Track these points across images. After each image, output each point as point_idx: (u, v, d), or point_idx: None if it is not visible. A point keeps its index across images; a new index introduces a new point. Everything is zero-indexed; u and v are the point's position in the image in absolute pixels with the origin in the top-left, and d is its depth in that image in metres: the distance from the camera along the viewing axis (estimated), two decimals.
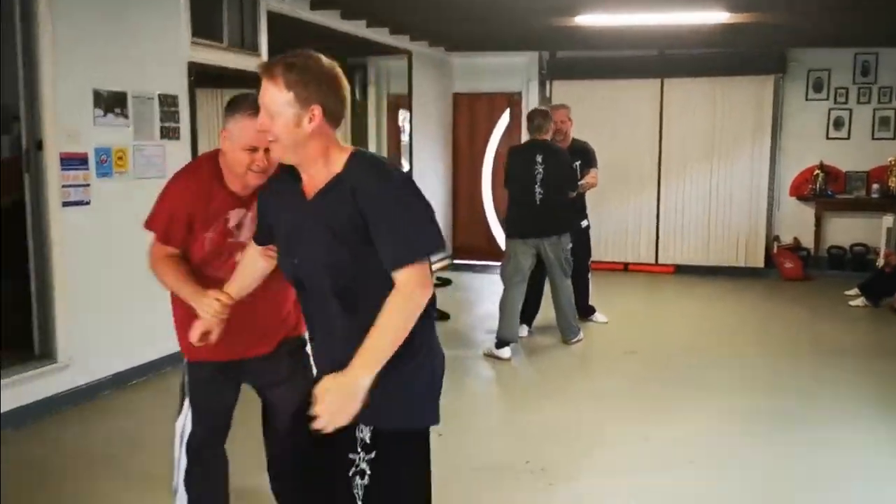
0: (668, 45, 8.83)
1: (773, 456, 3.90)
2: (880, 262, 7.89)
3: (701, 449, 3.99)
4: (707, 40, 8.22)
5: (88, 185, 4.53)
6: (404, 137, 9.60)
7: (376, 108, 9.87)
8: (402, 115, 9.77)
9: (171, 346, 2.89)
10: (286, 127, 1.90)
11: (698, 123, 9.13)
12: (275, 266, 2.24)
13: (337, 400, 1.86)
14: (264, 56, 6.02)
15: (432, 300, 2.00)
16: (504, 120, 9.92)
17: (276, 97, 1.90)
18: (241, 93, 2.44)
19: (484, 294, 8.52)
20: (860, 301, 7.43)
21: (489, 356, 5.62)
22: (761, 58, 8.78)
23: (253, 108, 2.15)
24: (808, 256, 8.93)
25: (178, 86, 5.21)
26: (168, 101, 5.11)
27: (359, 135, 9.50)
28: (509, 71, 9.69)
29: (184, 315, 2.49)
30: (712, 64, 8.91)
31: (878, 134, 8.82)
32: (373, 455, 1.96)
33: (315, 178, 1.97)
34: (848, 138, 8.88)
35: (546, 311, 6.23)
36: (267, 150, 2.27)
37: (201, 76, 5.43)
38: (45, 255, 4.33)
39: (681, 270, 9.21)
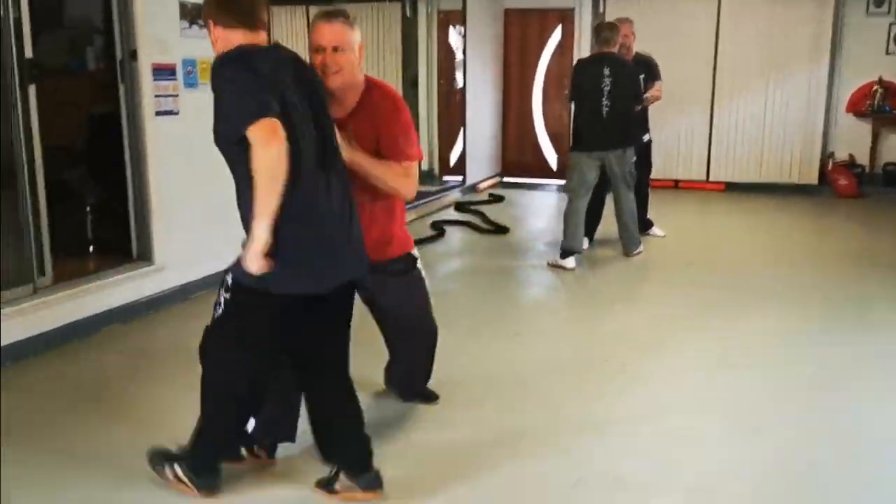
0: None
1: (833, 356, 4.05)
2: None
3: (764, 348, 4.17)
4: None
5: (177, 95, 4.69)
6: (458, 54, 9.58)
7: (427, 25, 9.82)
8: (452, 32, 9.74)
9: None
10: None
11: (754, 40, 9.00)
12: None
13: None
14: None
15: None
16: (556, 36, 9.85)
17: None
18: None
19: (536, 210, 8.67)
20: None
21: (554, 266, 5.78)
22: None
23: (326, 16, 2.71)
24: (863, 173, 8.90)
25: None
26: None
27: (409, 51, 9.50)
28: None
29: None
30: None
31: None
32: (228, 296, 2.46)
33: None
34: None
35: (604, 225, 6.36)
36: (335, 50, 2.68)
37: None
38: (141, 163, 4.53)
39: (732, 188, 9.24)
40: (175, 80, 4.67)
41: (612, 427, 3.24)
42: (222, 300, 2.48)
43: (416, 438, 3.11)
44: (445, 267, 6.04)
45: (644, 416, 3.34)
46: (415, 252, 3.14)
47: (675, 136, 9.32)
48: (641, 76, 6.04)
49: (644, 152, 6.42)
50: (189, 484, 2.58)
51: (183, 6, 4.69)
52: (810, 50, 8.88)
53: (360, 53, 2.76)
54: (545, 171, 9.99)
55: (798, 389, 3.66)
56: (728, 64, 9.12)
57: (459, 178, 9.23)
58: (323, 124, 2.42)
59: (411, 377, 3.38)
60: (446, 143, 9.64)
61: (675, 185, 9.39)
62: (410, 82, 9.49)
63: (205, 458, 2.61)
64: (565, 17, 9.71)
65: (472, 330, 4.37)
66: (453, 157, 9.62)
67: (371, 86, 2.85)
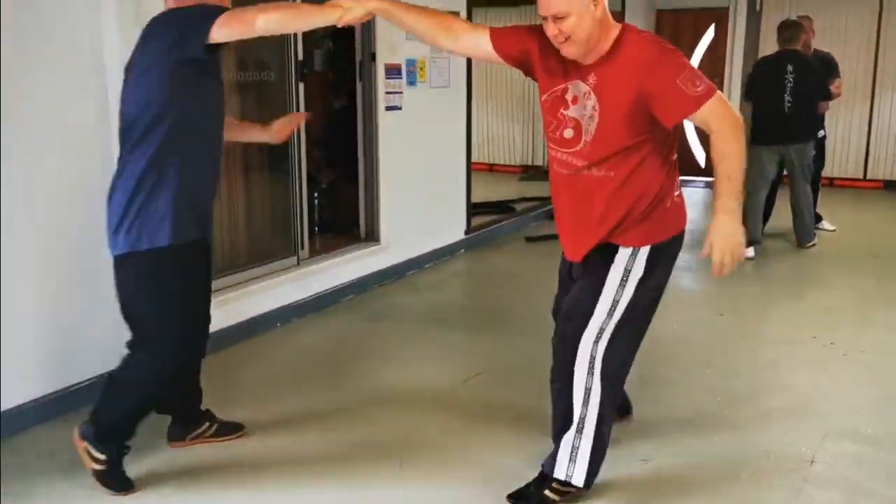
0: None
1: None
2: None
3: None
4: None
5: (401, 92, 5.21)
6: None
7: None
8: None
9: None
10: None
11: None
12: None
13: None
14: None
15: None
16: (708, 36, 10.01)
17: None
18: None
19: (689, 205, 8.83)
20: None
21: None
22: None
23: None
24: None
25: (459, 3, 5.78)
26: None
27: None
28: None
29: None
30: None
31: None
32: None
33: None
34: None
35: (773, 218, 6.54)
36: (556, 19, 2.27)
37: None
38: (373, 153, 5.07)
39: (890, 186, 9.18)
40: (400, 78, 5.20)
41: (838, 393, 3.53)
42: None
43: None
44: None
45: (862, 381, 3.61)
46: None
47: (830, 133, 9.31)
48: (824, 71, 6.22)
49: (819, 147, 6.58)
50: None
51: None
52: None
53: (601, 4, 2.29)
54: (694, 169, 10.14)
55: None
56: (890, 59, 9.09)
57: None
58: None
59: None
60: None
61: (830, 182, 9.38)
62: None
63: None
64: (719, 17, 9.86)
65: (679, 310, 4.70)
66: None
67: (624, 35, 2.34)
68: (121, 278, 2.54)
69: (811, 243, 6.30)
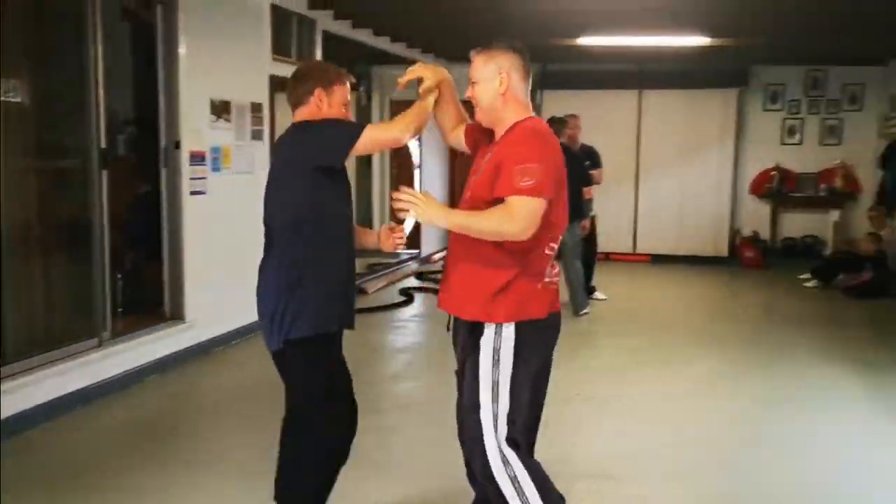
0: (646, 61, 10.05)
1: (749, 384, 5.11)
2: (828, 250, 9.29)
3: (697, 383, 5.18)
4: (680, 57, 9.44)
5: (206, 178, 5.48)
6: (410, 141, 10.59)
7: (379, 114, 10.83)
8: None
9: None
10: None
11: (671, 130, 10.40)
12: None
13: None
14: None
15: None
16: None
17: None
18: None
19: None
20: (813, 283, 8.74)
21: None
22: (726, 73, 10.08)
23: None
24: (766, 247, 10.26)
25: (263, 95, 6.18)
26: (256, 108, 6.07)
27: None
28: None
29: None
30: (684, 78, 10.17)
31: (826, 140, 10.22)
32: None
33: None
34: (800, 144, 10.25)
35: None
36: (472, 84, 2.66)
37: (276, 85, 6.40)
38: (177, 235, 5.27)
39: (656, 259, 10.45)
40: (205, 165, 5.47)
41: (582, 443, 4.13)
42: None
43: None
44: (422, 326, 6.91)
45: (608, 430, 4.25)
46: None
47: (604, 213, 10.48)
48: (587, 163, 7.16)
49: (591, 227, 7.49)
50: None
51: (213, 102, 5.53)
52: (718, 138, 10.30)
53: (505, 81, 2.55)
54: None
55: (730, 410, 4.64)
56: (650, 150, 10.48)
57: (412, 252, 10.13)
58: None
59: None
60: (397, 219, 10.55)
61: (607, 256, 10.51)
62: (364, 164, 10.45)
63: None
64: None
65: None
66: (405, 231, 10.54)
67: (519, 123, 2.58)
68: (286, 365, 2.77)
69: (584, 312, 7.12)
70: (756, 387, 5.14)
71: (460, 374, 2.74)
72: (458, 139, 2.92)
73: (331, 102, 2.78)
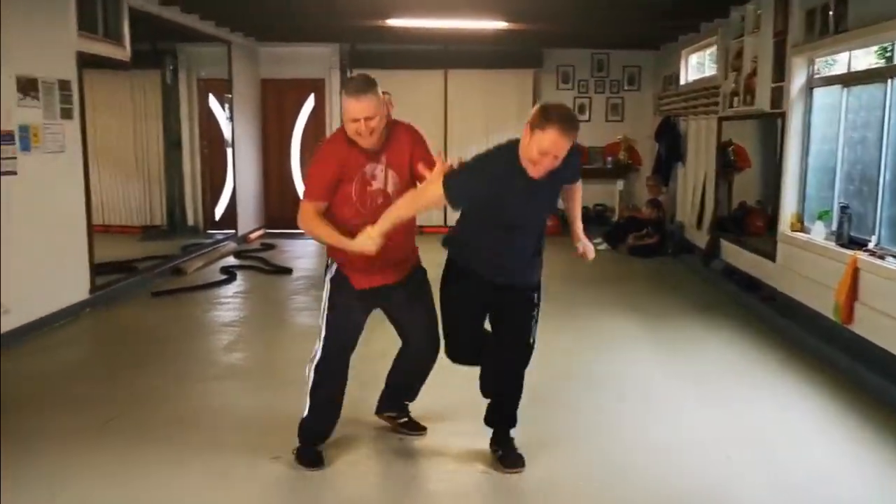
0: (450, 42, 10.59)
1: (552, 335, 5.74)
2: (615, 217, 10.33)
3: None
4: (481, 38, 10.07)
5: (16, 157, 5.31)
6: (220, 120, 10.52)
7: (188, 92, 10.62)
8: (212, 98, 10.67)
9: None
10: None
11: (475, 107, 11.05)
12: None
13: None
14: (128, 45, 6.89)
15: None
16: (309, 103, 11.19)
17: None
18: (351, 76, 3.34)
19: (304, 254, 9.79)
20: (604, 246, 9.71)
21: None
22: (523, 55, 10.85)
23: (355, 94, 3.14)
24: (562, 215, 11.14)
25: (71, 72, 6.02)
26: (64, 86, 5.91)
27: (171, 117, 10.26)
28: (311, 60, 10.96)
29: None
30: (485, 59, 10.83)
31: (610, 117, 11.28)
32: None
33: None
34: (589, 120, 11.22)
35: None
36: (367, 119, 3.14)
37: (86, 63, 6.25)
38: None
39: None
40: (13, 144, 5.30)
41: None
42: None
43: None
44: (246, 302, 7.04)
45: None
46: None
47: None
48: None
49: None
50: None
51: (18, 80, 5.35)
52: (518, 115, 10.98)
53: (385, 106, 3.24)
54: None
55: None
56: (456, 126, 11.05)
57: (228, 231, 10.12)
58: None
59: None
60: (210, 200, 10.50)
61: (420, 230, 11.01)
62: (173, 143, 10.27)
63: None
64: (317, 87, 11.09)
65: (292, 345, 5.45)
66: (218, 212, 10.50)
67: (393, 124, 3.34)
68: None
69: None
70: (557, 335, 5.78)
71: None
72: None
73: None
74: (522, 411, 3.63)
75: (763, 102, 6.83)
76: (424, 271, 3.59)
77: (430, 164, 3.20)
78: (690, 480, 3.46)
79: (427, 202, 3.16)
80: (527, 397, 3.87)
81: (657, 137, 10.38)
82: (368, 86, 3.17)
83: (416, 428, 3.89)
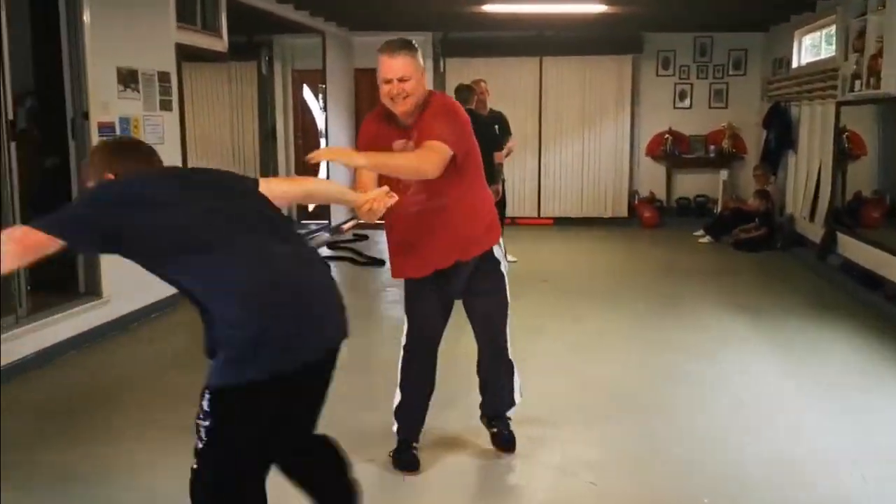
0: (545, 28, 10.30)
1: (656, 333, 5.45)
2: (718, 208, 9.87)
3: (611, 333, 5.49)
4: (579, 24, 9.74)
5: None
6: (314, 110, 10.55)
7: (283, 83, 10.68)
8: (306, 89, 10.71)
9: None
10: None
11: (571, 95, 10.72)
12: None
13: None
14: (225, 37, 6.91)
15: None
16: None
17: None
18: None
19: None
20: (706, 239, 9.27)
21: None
22: (621, 40, 10.45)
23: (389, 50, 2.92)
24: (662, 206, 10.76)
25: (170, 64, 6.05)
26: (164, 77, 5.95)
27: (266, 106, 10.34)
28: None
29: (395, 245, 3.20)
30: (582, 45, 10.47)
31: (713, 104, 10.75)
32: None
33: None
34: (690, 108, 10.74)
35: None
36: (401, 80, 2.90)
37: (184, 55, 6.29)
38: None
39: (559, 222, 10.80)
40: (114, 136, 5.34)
41: None
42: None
43: None
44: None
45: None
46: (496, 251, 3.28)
47: (510, 178, 10.75)
48: (496, 126, 7.33)
49: (502, 192, 7.68)
50: None
51: (119, 71, 5.40)
52: (615, 102, 10.69)
53: (422, 74, 2.97)
54: None
55: (638, 356, 4.95)
56: (551, 115, 10.77)
57: (321, 222, 10.13)
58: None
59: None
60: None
61: (512, 221, 10.79)
62: (268, 135, 10.35)
63: None
64: None
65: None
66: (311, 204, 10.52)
67: (431, 97, 3.03)
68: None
69: None
70: (661, 334, 5.48)
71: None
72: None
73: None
74: (628, 420, 3.39)
75: (890, 86, 6.29)
76: (496, 261, 3.27)
77: (426, 137, 2.90)
78: (819, 499, 3.15)
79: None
80: (630, 403, 3.62)
81: (765, 124, 9.82)
82: (406, 44, 2.94)
83: (500, 445, 3.49)
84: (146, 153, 2.34)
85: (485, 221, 3.22)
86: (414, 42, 2.98)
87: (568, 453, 3.54)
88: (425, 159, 2.85)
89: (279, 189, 2.45)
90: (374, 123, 3.13)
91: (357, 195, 2.72)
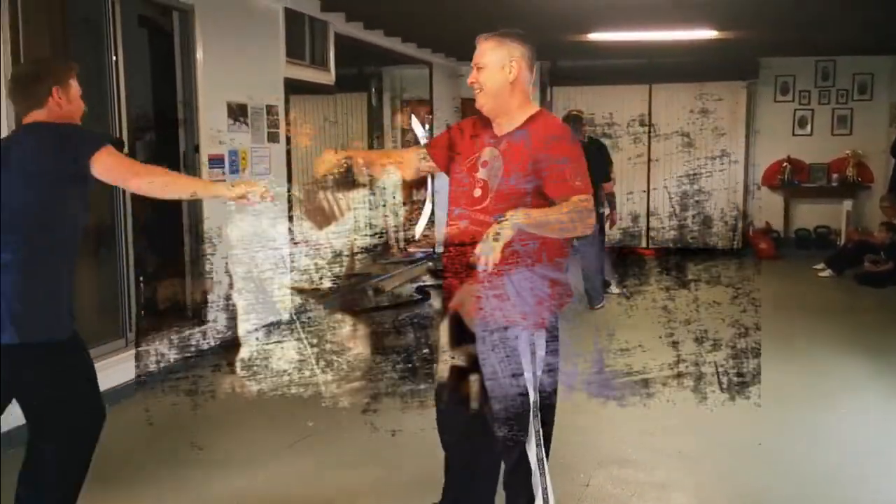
0: (655, 55, 10.07)
1: (776, 374, 5.13)
2: (841, 240, 9.32)
3: (727, 367, 5.23)
4: (689, 50, 9.47)
5: (224, 181, 5.55)
6: (421, 139, 10.68)
7: (390, 112, 10.88)
8: (414, 119, 10.87)
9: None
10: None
11: (681, 122, 10.42)
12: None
13: None
14: (333, 70, 7.09)
15: None
16: None
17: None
18: None
19: None
20: (827, 272, 8.76)
21: None
22: (736, 65, 10.10)
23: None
24: (779, 238, 10.27)
25: (278, 97, 6.26)
26: (271, 111, 6.15)
27: (376, 134, 10.54)
28: None
29: None
30: (694, 71, 10.19)
31: (836, 131, 10.23)
32: None
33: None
34: (811, 135, 10.25)
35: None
36: (478, 69, 2.62)
37: (293, 88, 6.49)
38: (198, 238, 5.36)
39: (668, 252, 10.47)
40: (223, 168, 5.55)
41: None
42: None
43: None
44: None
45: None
46: None
47: (621, 208, 10.55)
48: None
49: (601, 222, 7.53)
50: None
51: (230, 106, 5.62)
52: (729, 130, 10.32)
53: (515, 70, 2.58)
54: None
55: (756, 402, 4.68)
56: (660, 143, 10.49)
57: (426, 250, 10.21)
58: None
59: None
60: (409, 220, 10.67)
61: (620, 251, 10.55)
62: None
63: None
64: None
65: None
66: (417, 232, 10.63)
67: (538, 115, 2.64)
68: None
69: (600, 305, 7.16)
70: (777, 374, 5.16)
71: None
72: (418, 168, 2.89)
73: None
74: (733, 476, 3.18)
75: None
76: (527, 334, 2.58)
77: (562, 189, 2.45)
78: None
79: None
80: (731, 456, 3.41)
81: (894, 152, 9.24)
82: (501, 33, 2.60)
83: None
84: None
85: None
86: (518, 32, 2.62)
87: (672, 501, 3.37)
88: (584, 223, 2.44)
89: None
90: (469, 122, 2.80)
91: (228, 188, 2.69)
